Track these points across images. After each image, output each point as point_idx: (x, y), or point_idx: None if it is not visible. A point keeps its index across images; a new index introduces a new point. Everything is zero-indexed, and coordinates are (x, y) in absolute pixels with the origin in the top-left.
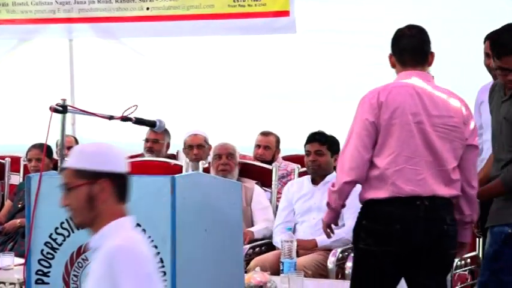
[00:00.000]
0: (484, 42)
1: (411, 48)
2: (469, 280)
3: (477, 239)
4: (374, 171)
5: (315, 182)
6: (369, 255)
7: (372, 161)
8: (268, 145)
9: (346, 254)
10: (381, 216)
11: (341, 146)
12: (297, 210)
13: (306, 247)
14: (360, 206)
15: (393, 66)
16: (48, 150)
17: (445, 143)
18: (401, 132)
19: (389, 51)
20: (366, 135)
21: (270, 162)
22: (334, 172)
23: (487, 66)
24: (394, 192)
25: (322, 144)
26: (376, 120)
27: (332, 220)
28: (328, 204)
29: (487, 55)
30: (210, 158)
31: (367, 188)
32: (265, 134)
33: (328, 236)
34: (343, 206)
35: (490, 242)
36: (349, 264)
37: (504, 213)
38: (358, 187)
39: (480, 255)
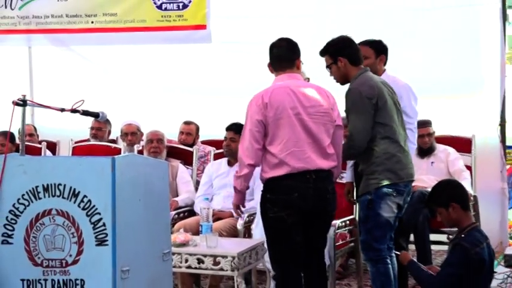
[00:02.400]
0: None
1: (278, 56)
2: (348, 238)
3: (354, 206)
4: (271, 157)
5: (230, 163)
6: (278, 221)
7: (267, 149)
8: (190, 132)
9: (252, 218)
10: (282, 188)
11: None
12: (215, 185)
13: (223, 216)
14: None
15: (272, 72)
16: (11, 136)
17: (320, 126)
18: (286, 123)
19: None
20: (256, 131)
21: (191, 146)
22: None
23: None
24: (289, 170)
25: (236, 133)
26: (264, 118)
27: (240, 201)
28: (235, 188)
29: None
30: (143, 143)
31: (267, 170)
32: (187, 123)
33: (239, 216)
34: (248, 187)
35: (360, 209)
36: (253, 226)
37: (365, 185)
38: (258, 170)
39: (356, 218)
